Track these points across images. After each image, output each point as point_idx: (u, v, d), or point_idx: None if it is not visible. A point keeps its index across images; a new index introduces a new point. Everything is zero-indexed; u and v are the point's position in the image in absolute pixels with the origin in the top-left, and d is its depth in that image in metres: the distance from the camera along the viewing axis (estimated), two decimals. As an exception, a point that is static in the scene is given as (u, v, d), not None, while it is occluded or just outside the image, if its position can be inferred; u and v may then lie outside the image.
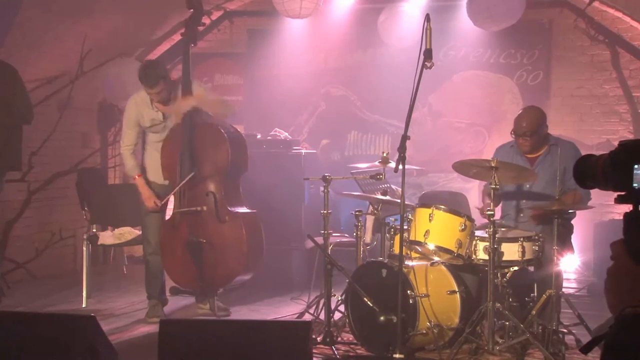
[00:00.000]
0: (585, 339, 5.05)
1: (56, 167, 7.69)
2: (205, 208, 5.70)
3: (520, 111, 5.49)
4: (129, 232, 6.66)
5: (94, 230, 6.75)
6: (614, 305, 1.78)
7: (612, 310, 1.78)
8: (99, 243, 6.60)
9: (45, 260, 7.55)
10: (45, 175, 7.56)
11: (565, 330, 4.96)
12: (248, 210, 5.88)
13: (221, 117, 5.96)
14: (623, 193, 1.85)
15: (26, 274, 7.33)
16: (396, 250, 5.02)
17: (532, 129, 5.27)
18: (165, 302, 6.07)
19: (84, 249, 6.46)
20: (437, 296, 4.83)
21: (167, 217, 6.03)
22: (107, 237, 6.62)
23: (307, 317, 5.65)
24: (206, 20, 8.45)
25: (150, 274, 6.00)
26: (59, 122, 7.49)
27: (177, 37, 8.74)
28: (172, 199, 5.86)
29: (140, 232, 6.63)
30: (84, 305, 6.29)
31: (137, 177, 5.91)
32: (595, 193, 5.40)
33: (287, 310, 6.09)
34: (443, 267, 5.04)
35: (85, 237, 6.54)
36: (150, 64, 6.00)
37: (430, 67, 4.40)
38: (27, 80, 5.84)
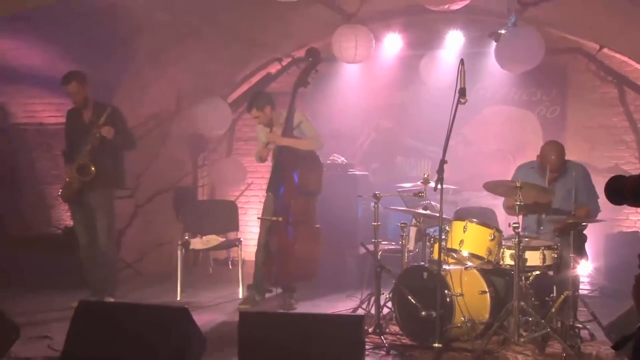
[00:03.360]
0: (598, 333, 4.92)
1: (157, 186, 7.83)
2: (280, 219, 5.73)
3: (548, 147, 5.28)
4: (214, 239, 6.72)
5: (187, 237, 6.82)
6: None
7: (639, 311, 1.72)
8: (190, 248, 6.67)
9: (148, 261, 7.69)
10: (149, 193, 7.71)
11: (580, 326, 4.85)
12: (311, 226, 5.87)
13: (311, 150, 5.95)
14: None
15: (133, 272, 7.48)
16: (435, 256, 4.97)
17: (561, 164, 5.20)
18: (263, 292, 6.10)
19: (179, 252, 6.54)
20: (470, 295, 4.77)
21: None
22: (197, 243, 6.68)
23: (360, 311, 5.62)
24: (277, 66, 8.59)
25: (255, 268, 6.09)
26: (159, 150, 7.64)
27: (254, 80, 8.84)
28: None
29: (223, 239, 6.72)
30: (178, 299, 6.36)
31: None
32: (606, 209, 5.30)
33: (343, 305, 6.05)
34: (475, 271, 4.97)
35: (179, 242, 6.62)
36: (252, 95, 6.20)
37: (464, 103, 4.38)
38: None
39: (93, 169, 5.66)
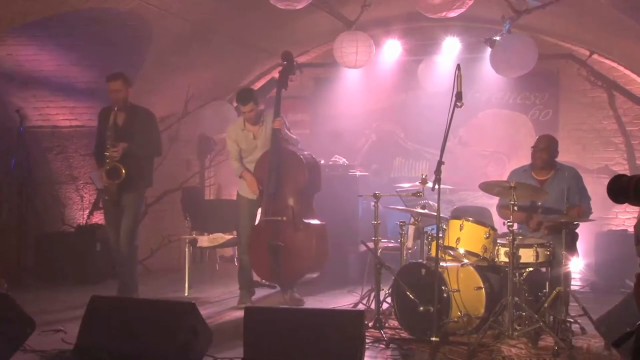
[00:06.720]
0: (589, 327, 4.91)
1: (166, 186, 7.81)
2: (285, 218, 5.72)
3: (540, 137, 5.45)
4: (220, 237, 6.71)
5: (194, 235, 6.84)
6: None
7: None
8: (197, 245, 6.67)
9: (157, 258, 7.69)
10: (158, 192, 7.68)
11: (571, 320, 4.85)
12: (318, 222, 5.87)
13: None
14: None
15: (144, 269, 7.46)
16: (433, 253, 4.96)
17: (547, 145, 5.23)
18: (253, 292, 6.09)
19: (186, 249, 6.55)
20: (466, 291, 4.76)
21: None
22: (204, 241, 6.68)
23: (361, 306, 5.63)
24: (282, 70, 8.58)
25: (242, 269, 6.02)
26: (168, 151, 7.64)
27: (259, 84, 8.85)
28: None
29: (229, 237, 6.71)
30: (186, 294, 6.37)
31: (243, 173, 5.94)
32: (596, 208, 5.29)
33: (344, 301, 6.06)
34: (471, 268, 4.97)
35: (187, 240, 6.63)
36: (245, 88, 6.25)
37: (460, 107, 4.37)
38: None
39: (124, 170, 5.55)
